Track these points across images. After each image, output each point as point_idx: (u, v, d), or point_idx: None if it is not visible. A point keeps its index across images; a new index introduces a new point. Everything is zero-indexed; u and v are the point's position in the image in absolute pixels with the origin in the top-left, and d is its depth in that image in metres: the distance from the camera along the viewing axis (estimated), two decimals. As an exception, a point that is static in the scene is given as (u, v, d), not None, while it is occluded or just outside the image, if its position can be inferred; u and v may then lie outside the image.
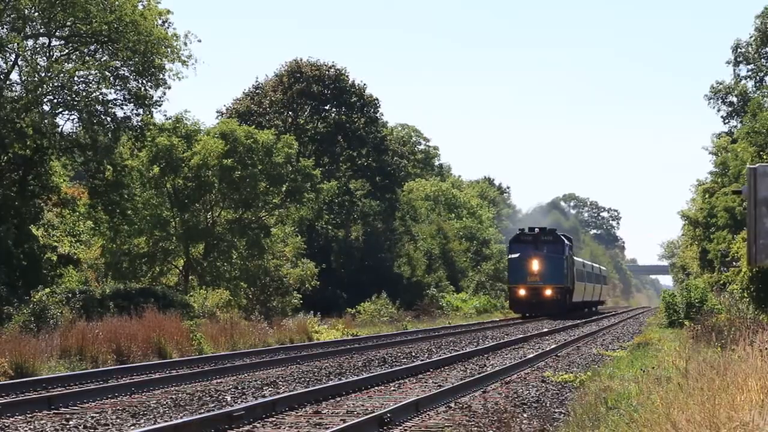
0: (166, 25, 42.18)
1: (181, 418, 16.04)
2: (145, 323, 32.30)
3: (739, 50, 71.49)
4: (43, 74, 39.54)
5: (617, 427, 13.33)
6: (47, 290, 35.13)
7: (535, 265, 74.78)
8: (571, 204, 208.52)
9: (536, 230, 78.67)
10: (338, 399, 19.72)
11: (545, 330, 50.94)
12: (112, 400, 19.32)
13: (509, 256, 77.47)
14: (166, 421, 15.38)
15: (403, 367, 25.63)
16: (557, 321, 67.75)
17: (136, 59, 41.16)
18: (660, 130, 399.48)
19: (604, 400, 16.80)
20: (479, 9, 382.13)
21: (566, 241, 78.22)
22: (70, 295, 36.94)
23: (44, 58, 40.57)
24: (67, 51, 41.57)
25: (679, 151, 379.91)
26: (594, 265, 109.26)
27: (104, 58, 41.29)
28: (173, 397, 19.96)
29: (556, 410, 18.27)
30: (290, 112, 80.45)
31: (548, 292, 74.47)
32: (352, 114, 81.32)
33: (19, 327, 29.96)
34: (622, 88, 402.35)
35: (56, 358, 26.74)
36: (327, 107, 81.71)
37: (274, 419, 16.73)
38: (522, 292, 74.98)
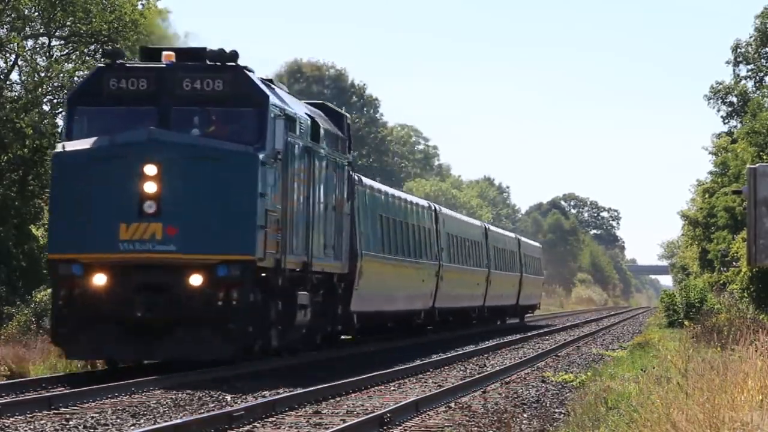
0: (166, 24, 42.18)
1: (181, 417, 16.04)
2: None
3: (738, 50, 71.40)
4: (42, 74, 39.54)
5: (617, 427, 13.33)
6: (48, 290, 35.11)
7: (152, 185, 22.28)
8: (571, 204, 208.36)
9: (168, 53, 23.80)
10: (338, 399, 19.73)
11: (545, 330, 50.93)
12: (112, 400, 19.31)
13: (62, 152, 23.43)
14: (166, 421, 15.38)
15: (403, 367, 25.65)
16: (556, 323, 67.17)
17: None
18: (660, 130, 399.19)
19: (604, 400, 16.80)
20: (479, 9, 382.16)
21: (279, 100, 24.14)
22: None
23: (44, 58, 40.55)
24: (67, 51, 41.55)
25: (679, 151, 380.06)
26: (493, 229, 56.63)
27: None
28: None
29: (556, 410, 18.27)
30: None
31: (196, 280, 22.13)
32: (352, 114, 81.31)
33: (19, 327, 29.93)
34: (622, 88, 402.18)
35: (55, 356, 26.70)
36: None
37: (273, 419, 16.73)
38: (98, 280, 22.24)
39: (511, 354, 33.64)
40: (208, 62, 23.56)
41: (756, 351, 15.05)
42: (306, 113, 26.60)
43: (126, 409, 17.55)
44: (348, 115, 31.88)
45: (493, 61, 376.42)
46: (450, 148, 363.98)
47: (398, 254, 36.68)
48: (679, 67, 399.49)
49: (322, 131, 27.32)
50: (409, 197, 41.82)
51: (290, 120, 24.62)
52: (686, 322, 43.53)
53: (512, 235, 64.87)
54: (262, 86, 23.80)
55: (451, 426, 16.08)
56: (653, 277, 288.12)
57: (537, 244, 77.55)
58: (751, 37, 70.83)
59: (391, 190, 38.68)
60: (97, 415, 16.80)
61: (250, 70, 24.02)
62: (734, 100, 71.86)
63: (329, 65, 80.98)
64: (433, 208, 43.29)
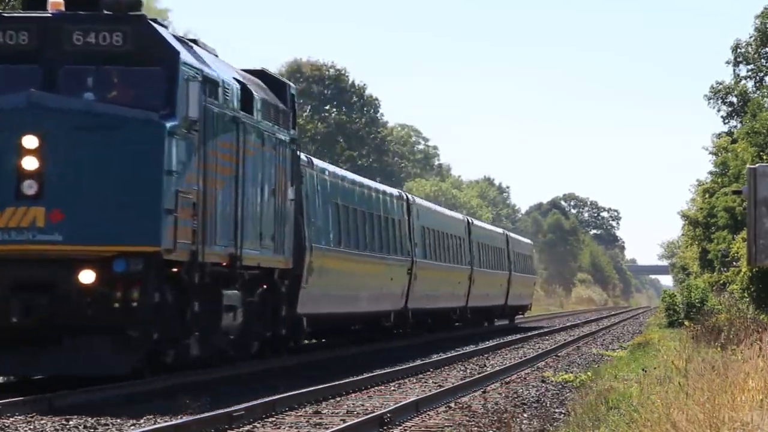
0: (166, 24, 42.13)
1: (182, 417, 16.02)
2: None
3: (738, 50, 71.38)
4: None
5: (617, 427, 13.32)
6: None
7: (32, 160, 18.55)
8: (571, 204, 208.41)
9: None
10: (338, 399, 19.72)
11: (545, 330, 50.92)
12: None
13: None
14: (166, 421, 15.37)
15: (404, 366, 25.64)
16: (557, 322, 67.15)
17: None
18: (660, 130, 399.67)
19: (604, 400, 16.79)
20: (479, 9, 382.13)
21: (195, 59, 20.36)
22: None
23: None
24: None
25: (679, 151, 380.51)
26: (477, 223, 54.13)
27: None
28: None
29: (556, 410, 18.26)
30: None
31: (87, 277, 18.52)
32: (352, 114, 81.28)
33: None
34: (622, 88, 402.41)
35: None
36: (327, 107, 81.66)
37: (273, 419, 16.73)
38: None
39: (511, 354, 33.63)
40: (105, 12, 19.41)
41: (760, 350, 15.04)
42: (235, 78, 22.41)
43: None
44: (293, 84, 27.00)
45: (493, 61, 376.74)
46: (450, 148, 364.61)
47: (359, 248, 32.27)
48: (679, 67, 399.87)
49: (257, 101, 23.00)
50: (375, 184, 37.33)
51: (210, 84, 20.58)
52: (686, 322, 43.55)
53: (500, 230, 60.90)
54: (172, 41, 19.77)
55: (451, 426, 16.07)
56: (653, 277, 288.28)
57: (528, 241, 73.85)
58: (751, 37, 70.82)
59: (351, 176, 34.22)
60: (97, 414, 16.77)
61: (158, 23, 20.15)
62: (734, 100, 71.83)
63: (329, 65, 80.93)
64: (404, 197, 38.95)
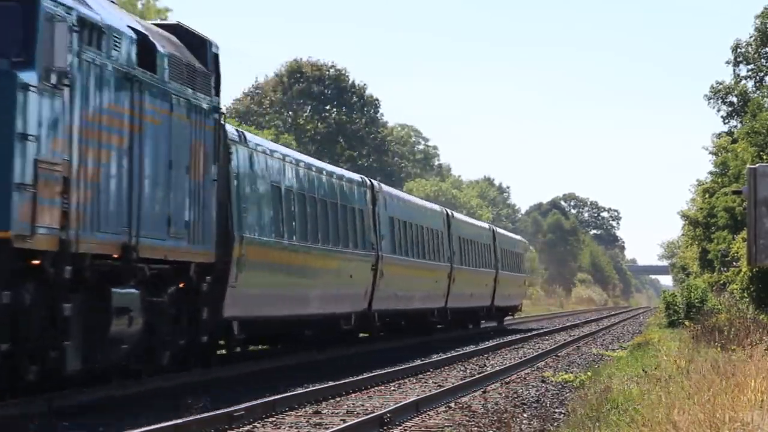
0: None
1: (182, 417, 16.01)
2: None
3: (738, 50, 71.37)
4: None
5: (617, 428, 13.31)
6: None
7: None
8: (571, 204, 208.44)
9: None
10: (338, 399, 19.71)
11: (545, 330, 50.93)
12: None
13: None
14: (166, 421, 15.36)
15: (404, 366, 25.64)
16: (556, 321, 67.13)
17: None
18: (660, 130, 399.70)
19: (604, 400, 16.79)
20: (479, 9, 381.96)
21: None
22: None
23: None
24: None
25: (679, 151, 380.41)
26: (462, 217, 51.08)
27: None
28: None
29: (556, 410, 18.26)
30: (290, 112, 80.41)
31: None
32: (352, 114, 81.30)
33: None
34: (622, 88, 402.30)
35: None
36: (327, 107, 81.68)
37: (274, 419, 16.73)
38: None
39: (511, 354, 33.64)
40: None
41: (766, 350, 15.05)
42: (131, 27, 18.12)
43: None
44: (215, 42, 21.62)
45: (493, 61, 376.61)
46: (450, 148, 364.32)
47: (306, 240, 27.47)
48: (679, 67, 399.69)
49: (162, 56, 18.75)
50: (332, 168, 32.54)
51: (90, 29, 16.44)
52: (686, 322, 43.55)
53: (485, 225, 56.12)
54: None
55: (451, 426, 16.06)
56: (653, 277, 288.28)
57: (519, 237, 68.20)
58: (751, 37, 70.81)
59: (300, 156, 29.44)
60: (97, 414, 16.77)
61: None
62: (734, 100, 71.83)
63: (329, 65, 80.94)
64: (368, 184, 34.27)
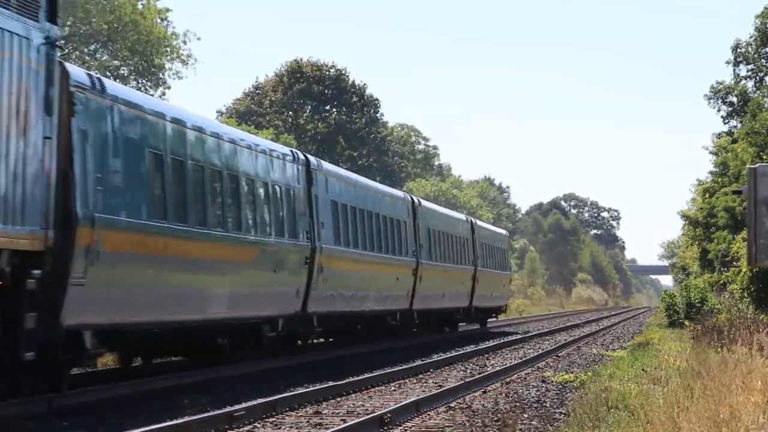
0: (165, 23, 42.26)
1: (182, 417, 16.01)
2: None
3: (738, 50, 71.37)
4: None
5: (617, 427, 13.31)
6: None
7: None
8: (572, 204, 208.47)
9: None
10: (338, 399, 19.71)
11: (545, 330, 50.93)
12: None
13: None
14: (166, 422, 15.35)
15: (404, 367, 25.63)
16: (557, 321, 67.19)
17: (136, 59, 41.19)
18: (660, 130, 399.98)
19: (604, 400, 16.79)
20: (479, 9, 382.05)
21: None
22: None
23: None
24: (66, 51, 41.56)
25: (679, 151, 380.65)
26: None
27: (104, 58, 41.33)
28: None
29: (557, 410, 18.25)
30: (290, 112, 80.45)
31: None
32: (352, 114, 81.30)
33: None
34: (622, 88, 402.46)
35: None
36: (327, 107, 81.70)
37: (274, 419, 16.72)
38: None
39: (511, 354, 33.63)
40: None
41: (758, 351, 15.04)
42: None
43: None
44: None
45: (493, 61, 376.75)
46: (450, 148, 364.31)
47: (215, 226, 21.45)
48: (679, 67, 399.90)
49: None
50: (248, 137, 24.98)
51: None
52: (687, 322, 43.56)
53: (463, 216, 48.94)
54: None
55: (451, 426, 16.05)
56: (653, 277, 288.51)
57: (502, 231, 60.07)
58: (751, 37, 70.83)
59: (200, 119, 21.95)
60: (97, 414, 16.77)
61: None
62: (734, 100, 71.86)
63: (329, 65, 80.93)
64: (301, 159, 27.22)
